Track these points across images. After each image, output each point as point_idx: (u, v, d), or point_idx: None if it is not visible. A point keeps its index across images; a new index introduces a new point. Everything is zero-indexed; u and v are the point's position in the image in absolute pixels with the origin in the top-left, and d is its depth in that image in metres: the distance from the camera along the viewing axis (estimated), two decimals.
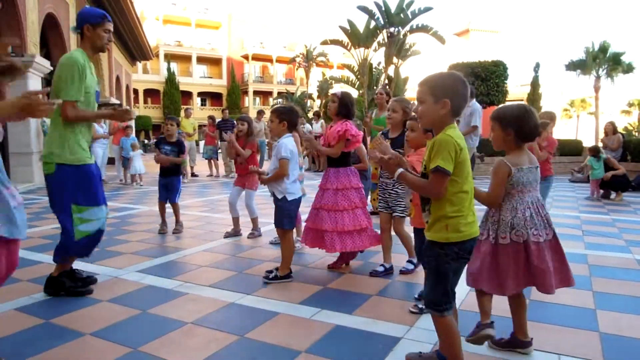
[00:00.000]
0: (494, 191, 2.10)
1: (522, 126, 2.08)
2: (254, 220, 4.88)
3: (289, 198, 3.36)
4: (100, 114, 3.19)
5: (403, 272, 3.44)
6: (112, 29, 3.10)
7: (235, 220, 4.92)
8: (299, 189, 3.49)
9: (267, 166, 3.61)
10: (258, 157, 5.00)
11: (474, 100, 8.50)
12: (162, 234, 5.03)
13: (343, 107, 3.59)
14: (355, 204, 3.49)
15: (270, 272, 3.36)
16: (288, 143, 3.37)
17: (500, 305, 2.75)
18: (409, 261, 3.50)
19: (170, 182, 5.16)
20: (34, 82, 10.11)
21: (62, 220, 2.92)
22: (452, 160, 1.77)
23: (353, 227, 3.43)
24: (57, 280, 3.02)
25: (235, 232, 4.89)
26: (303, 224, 4.25)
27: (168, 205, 5.19)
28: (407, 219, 3.33)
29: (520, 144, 2.13)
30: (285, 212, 3.37)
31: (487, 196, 2.12)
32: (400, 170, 1.91)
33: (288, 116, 3.46)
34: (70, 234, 2.90)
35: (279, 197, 3.38)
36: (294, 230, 4.28)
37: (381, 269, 3.45)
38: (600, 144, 9.65)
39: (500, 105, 2.23)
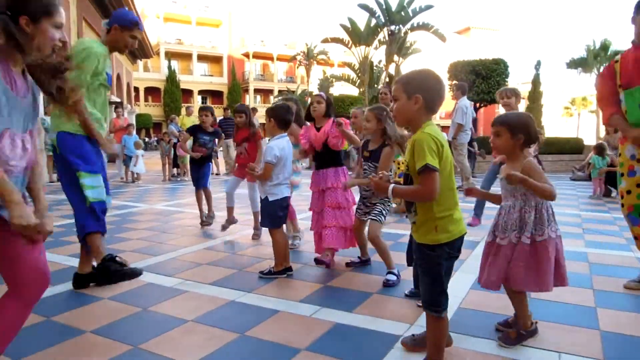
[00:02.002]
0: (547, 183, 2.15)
1: (530, 131, 2.19)
2: (256, 215, 4.80)
3: (270, 198, 3.38)
4: (94, 129, 3.00)
5: (387, 284, 3.16)
6: (139, 37, 3.17)
7: (230, 210, 4.94)
8: (285, 189, 3.44)
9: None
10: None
11: (464, 97, 8.46)
12: (207, 225, 5.19)
13: (331, 108, 3.73)
14: (348, 205, 3.65)
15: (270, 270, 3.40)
16: (276, 146, 3.34)
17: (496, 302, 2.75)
18: (390, 272, 3.24)
19: (203, 169, 5.29)
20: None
21: (72, 192, 2.95)
22: (436, 156, 1.75)
23: (348, 224, 3.60)
24: (102, 266, 2.94)
25: (230, 221, 4.93)
26: (298, 220, 4.30)
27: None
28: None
29: (524, 149, 2.22)
30: (267, 212, 3.41)
31: (551, 188, 2.12)
32: (392, 185, 1.87)
33: (275, 113, 3.45)
34: (82, 202, 2.92)
35: (262, 197, 3.44)
36: (291, 226, 4.32)
37: (357, 260, 3.60)
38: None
39: (502, 114, 2.32)
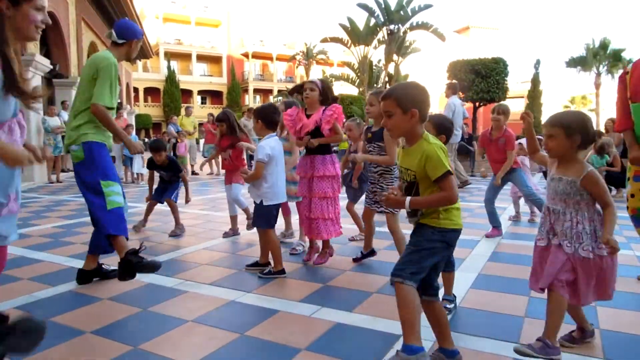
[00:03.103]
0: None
1: (588, 132, 2.04)
2: (246, 211, 4.86)
3: (265, 203, 3.37)
4: (121, 132, 3.24)
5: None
6: None
7: (233, 219, 4.91)
8: (279, 194, 3.43)
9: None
10: (245, 156, 5.00)
11: (455, 95, 8.58)
12: (173, 236, 4.85)
13: (324, 95, 3.59)
14: (335, 194, 3.62)
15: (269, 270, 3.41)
16: (266, 145, 3.33)
17: (500, 302, 2.76)
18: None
19: (171, 184, 5.14)
20: (34, 81, 10.11)
21: (93, 198, 3.01)
22: (448, 162, 1.88)
23: (335, 215, 3.62)
24: (126, 260, 2.91)
25: (234, 232, 4.85)
26: (295, 217, 4.33)
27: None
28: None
29: (580, 151, 2.08)
30: (261, 214, 3.41)
31: (612, 201, 2.02)
32: (409, 198, 1.92)
33: (262, 114, 3.44)
34: (103, 206, 2.99)
35: (256, 201, 3.43)
36: (287, 224, 4.33)
37: (360, 255, 3.63)
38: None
39: (555, 113, 2.21)
